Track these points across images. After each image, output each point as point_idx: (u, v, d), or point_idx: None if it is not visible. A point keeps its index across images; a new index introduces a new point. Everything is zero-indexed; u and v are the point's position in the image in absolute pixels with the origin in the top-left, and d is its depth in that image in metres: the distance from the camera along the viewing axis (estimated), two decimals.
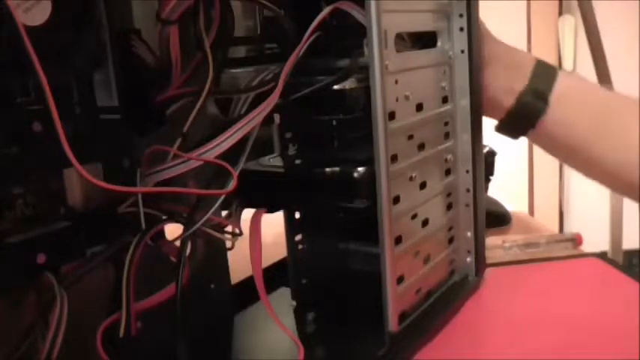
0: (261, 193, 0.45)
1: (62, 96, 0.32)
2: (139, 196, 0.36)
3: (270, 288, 0.52)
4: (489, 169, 0.84)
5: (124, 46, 0.38)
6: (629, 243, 1.34)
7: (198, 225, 0.38)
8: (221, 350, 0.48)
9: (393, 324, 0.44)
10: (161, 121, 0.39)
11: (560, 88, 0.52)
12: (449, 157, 0.52)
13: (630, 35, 1.85)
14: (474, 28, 0.50)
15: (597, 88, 0.58)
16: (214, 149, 0.37)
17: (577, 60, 1.99)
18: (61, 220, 0.34)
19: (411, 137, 0.46)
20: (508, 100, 0.52)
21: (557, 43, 1.99)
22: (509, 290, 0.59)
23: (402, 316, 0.45)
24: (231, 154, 0.39)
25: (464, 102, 0.52)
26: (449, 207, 0.52)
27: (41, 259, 0.32)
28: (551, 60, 2.03)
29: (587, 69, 1.36)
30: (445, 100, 0.51)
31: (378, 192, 0.41)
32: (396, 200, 0.44)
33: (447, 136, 0.51)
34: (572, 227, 1.94)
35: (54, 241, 0.33)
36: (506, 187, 0.92)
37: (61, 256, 0.33)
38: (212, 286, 0.49)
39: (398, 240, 0.44)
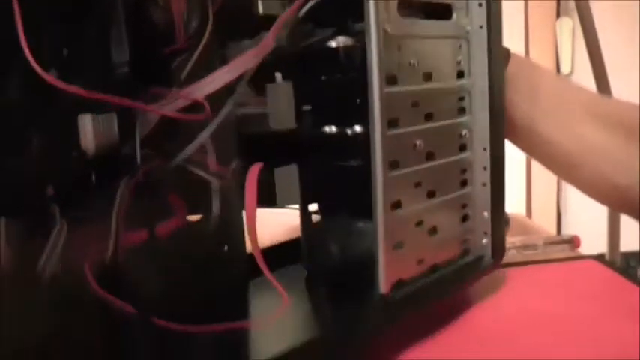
0: (259, 151, 0.44)
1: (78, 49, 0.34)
2: (137, 135, 0.37)
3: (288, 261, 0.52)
4: None
5: (135, 2, 0.39)
6: (626, 245, 1.34)
7: (180, 158, 0.38)
8: (233, 312, 0.47)
9: (384, 286, 0.43)
10: (167, 74, 0.40)
11: (512, 69, 0.54)
12: (464, 132, 0.51)
13: (628, 38, 1.85)
14: (493, 4, 0.50)
15: (552, 76, 0.61)
16: (205, 87, 0.37)
17: (574, 62, 1.99)
18: (72, 159, 0.35)
19: (415, 104, 0.45)
20: None
21: (555, 45, 2.00)
22: (506, 292, 0.59)
23: (400, 284, 0.45)
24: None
25: (481, 78, 0.51)
26: (463, 184, 0.51)
27: (50, 191, 0.34)
28: (548, 62, 2.05)
29: (584, 71, 1.36)
30: (461, 74, 0.50)
31: (372, 152, 0.41)
32: (394, 165, 0.43)
33: (462, 111, 0.50)
34: (569, 229, 1.94)
35: (64, 177, 0.35)
36: None
37: (69, 192, 0.35)
38: (225, 248, 0.48)
39: (397, 205, 0.44)
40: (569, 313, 0.53)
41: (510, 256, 0.69)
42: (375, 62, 0.41)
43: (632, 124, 0.53)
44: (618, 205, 0.54)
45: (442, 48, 0.48)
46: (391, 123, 0.43)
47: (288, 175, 0.43)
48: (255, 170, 0.40)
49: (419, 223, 0.47)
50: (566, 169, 0.56)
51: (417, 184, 0.46)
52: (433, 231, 0.48)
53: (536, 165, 2.00)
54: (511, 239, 0.72)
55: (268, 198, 0.43)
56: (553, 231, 1.89)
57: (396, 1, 0.42)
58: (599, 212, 1.35)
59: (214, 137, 0.39)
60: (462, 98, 0.50)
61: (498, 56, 0.51)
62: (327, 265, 0.51)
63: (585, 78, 1.18)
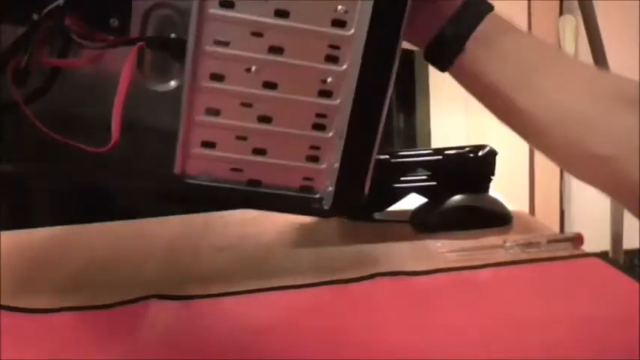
0: None
1: None
2: None
3: None
4: (490, 169, 0.85)
5: None
6: (630, 243, 1.34)
7: None
8: None
9: (177, 166, 0.49)
10: None
11: (487, 27, 0.50)
12: (329, 79, 0.48)
13: (631, 36, 1.85)
14: None
15: (532, 39, 0.55)
16: None
17: None
18: None
19: (258, 33, 0.46)
20: (432, 31, 0.50)
21: (558, 42, 1.99)
22: (510, 291, 0.59)
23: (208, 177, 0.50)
24: None
25: (360, 29, 0.46)
26: (317, 126, 0.50)
27: None
28: None
29: None
30: (340, 24, 0.46)
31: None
32: (218, 78, 0.47)
33: (331, 59, 0.48)
34: (572, 227, 1.94)
35: None
36: (506, 187, 0.92)
37: None
38: None
39: (214, 112, 0.48)
40: (572, 312, 0.54)
41: (513, 254, 0.69)
42: None
43: (620, 92, 0.48)
44: (591, 176, 0.51)
45: None
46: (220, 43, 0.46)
47: None
48: (134, 51, 0.46)
49: (242, 138, 0.50)
50: (536, 135, 0.53)
51: (247, 105, 0.48)
52: (260, 152, 0.50)
53: (539, 162, 2.00)
54: (514, 237, 0.72)
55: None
56: (556, 229, 1.89)
57: None
58: (602, 210, 1.36)
59: None
60: (335, 47, 0.47)
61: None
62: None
63: None
